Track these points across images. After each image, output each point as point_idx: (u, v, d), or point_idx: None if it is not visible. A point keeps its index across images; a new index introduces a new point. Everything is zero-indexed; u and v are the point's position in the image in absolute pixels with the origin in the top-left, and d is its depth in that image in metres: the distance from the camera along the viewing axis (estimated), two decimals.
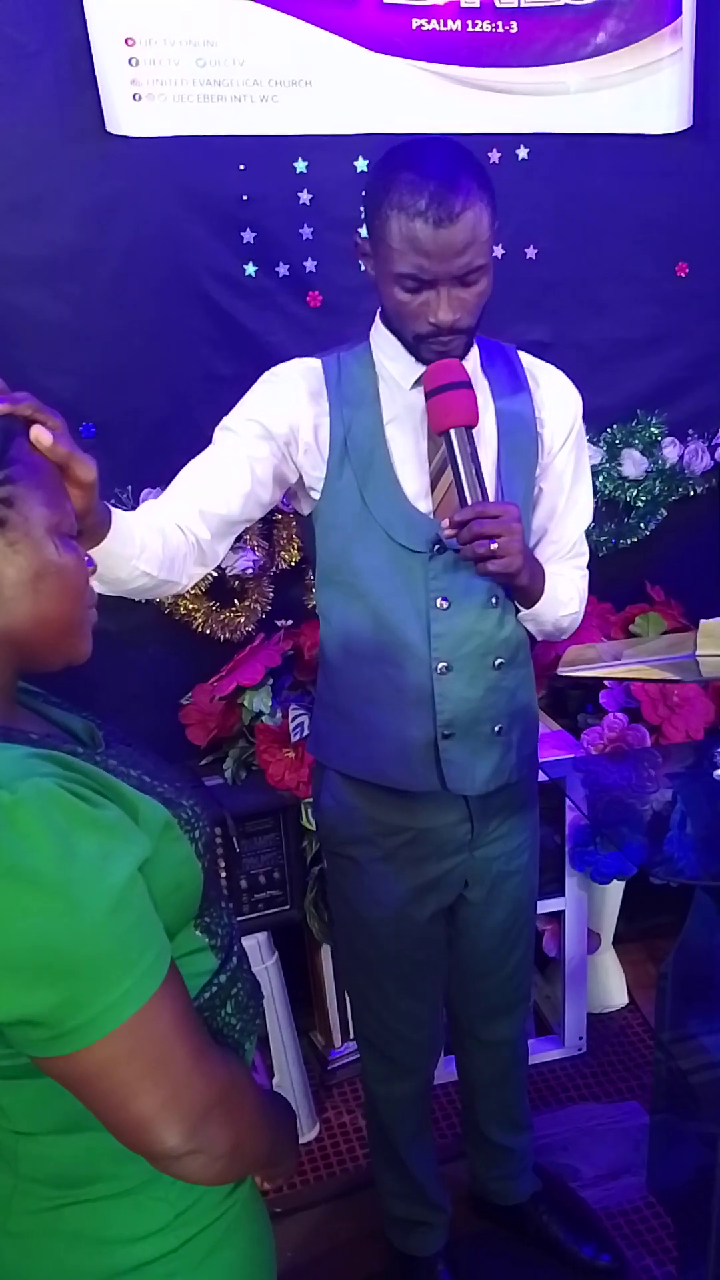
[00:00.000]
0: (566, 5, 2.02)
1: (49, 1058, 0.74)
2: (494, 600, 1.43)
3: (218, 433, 1.38)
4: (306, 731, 1.95)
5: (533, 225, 2.11)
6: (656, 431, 2.31)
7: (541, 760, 1.73)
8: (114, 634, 2.00)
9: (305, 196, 1.96)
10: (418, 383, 1.35)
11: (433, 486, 1.39)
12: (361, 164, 1.97)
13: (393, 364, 1.38)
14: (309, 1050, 2.34)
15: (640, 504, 2.33)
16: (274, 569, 2.10)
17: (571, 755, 2.11)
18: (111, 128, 1.80)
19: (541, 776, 1.73)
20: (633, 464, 2.30)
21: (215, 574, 2.01)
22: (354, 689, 1.47)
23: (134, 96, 1.80)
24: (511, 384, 1.44)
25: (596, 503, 1.66)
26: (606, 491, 2.29)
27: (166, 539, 1.24)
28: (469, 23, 1.98)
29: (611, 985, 2.53)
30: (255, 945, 2.03)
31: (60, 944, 0.70)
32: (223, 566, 2.01)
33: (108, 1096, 0.75)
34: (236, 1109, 0.81)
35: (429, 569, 1.39)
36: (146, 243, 1.87)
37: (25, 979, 0.70)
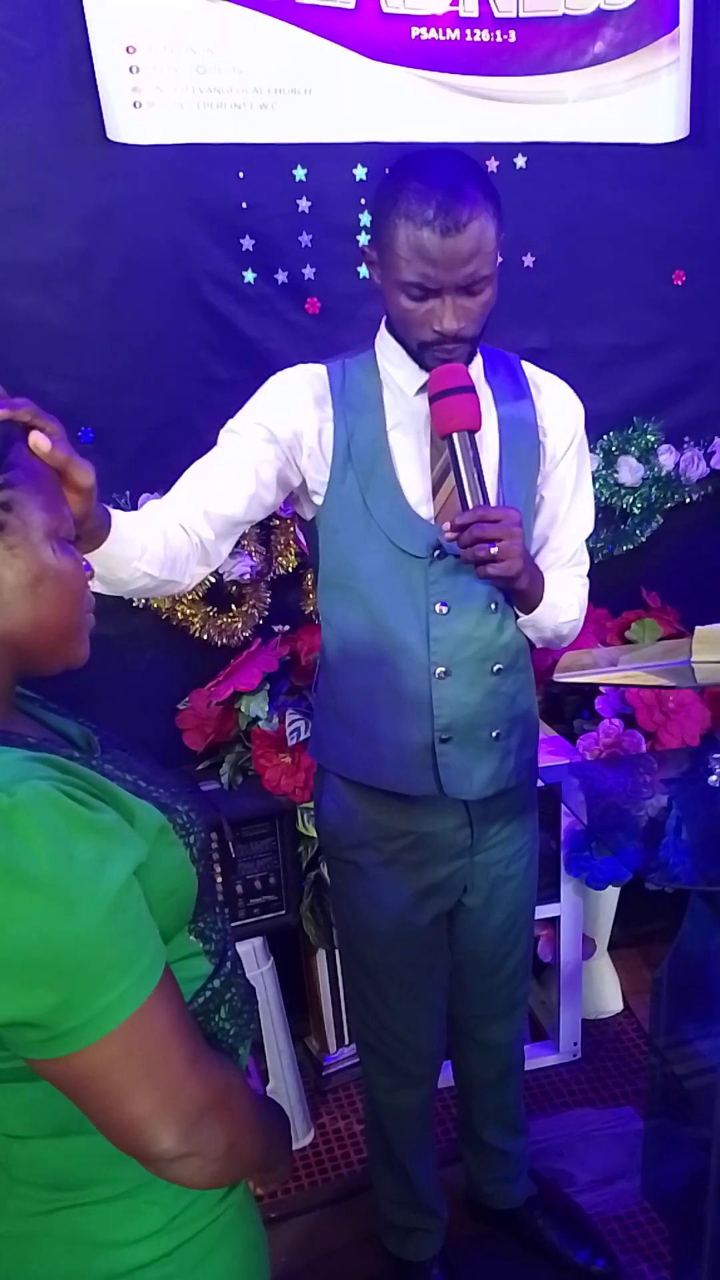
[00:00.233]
0: (564, 15, 2.03)
1: (44, 1060, 0.74)
2: (493, 606, 1.44)
3: (223, 435, 1.39)
4: (303, 736, 1.96)
5: (530, 233, 2.12)
6: (653, 438, 2.32)
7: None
8: (111, 639, 2.01)
9: (304, 204, 1.97)
10: (421, 389, 1.37)
11: (434, 492, 1.40)
12: (360, 172, 1.98)
13: (397, 371, 1.40)
14: (304, 1056, 2.34)
15: (636, 511, 2.34)
16: (271, 574, 2.10)
17: (567, 761, 2.12)
18: (112, 135, 1.81)
19: (538, 782, 1.73)
20: (629, 471, 2.31)
21: (213, 579, 2.02)
22: (353, 692, 1.48)
23: (134, 104, 1.81)
24: (514, 392, 1.46)
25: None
26: (603, 498, 2.29)
27: (168, 540, 1.25)
28: (468, 32, 1.99)
29: (607, 991, 2.53)
30: (251, 951, 2.03)
31: (56, 946, 0.70)
32: (220, 572, 2.01)
33: (102, 1099, 0.75)
34: (231, 1113, 0.81)
35: (429, 574, 1.40)
36: (146, 249, 1.88)
37: (21, 981, 0.71)
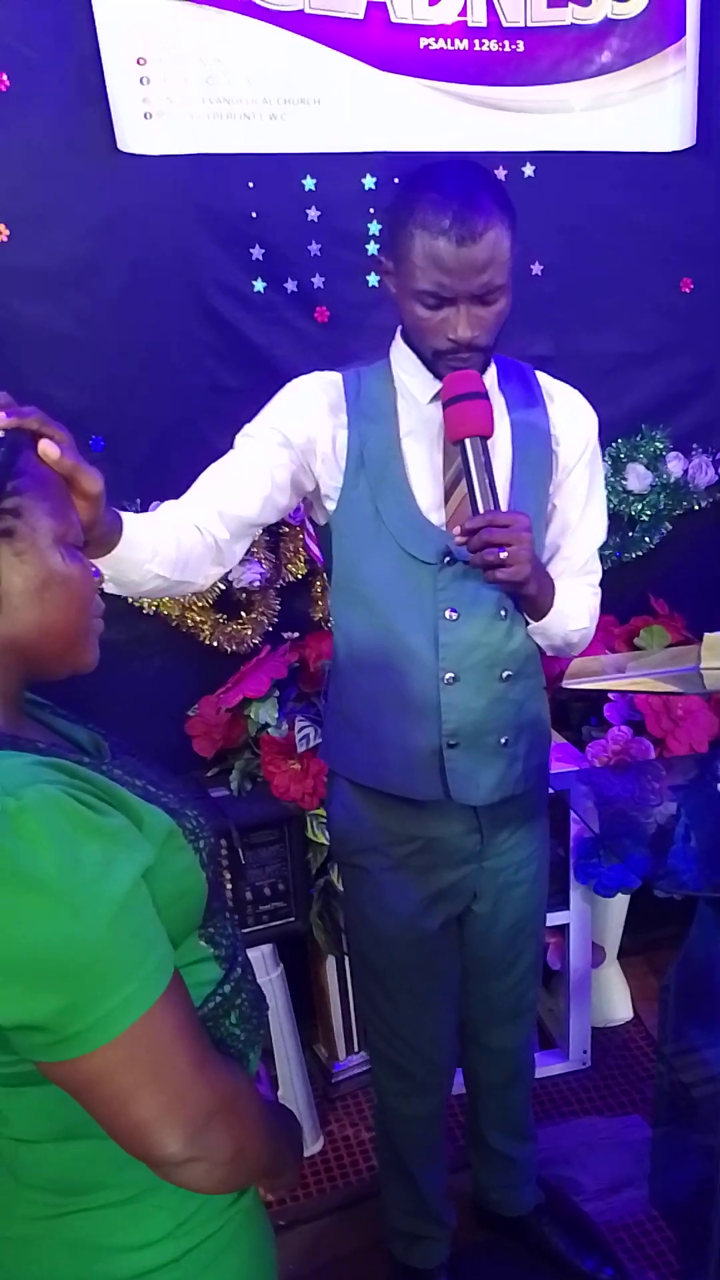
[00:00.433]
0: (572, 25, 2.04)
1: (52, 1063, 0.74)
2: (502, 612, 1.44)
3: (239, 439, 1.42)
4: (312, 743, 1.96)
5: (538, 241, 2.13)
6: (661, 446, 2.33)
7: None
8: (120, 645, 2.01)
9: (313, 213, 1.98)
10: (435, 398, 1.39)
11: (446, 499, 1.41)
12: (369, 181, 1.99)
13: (411, 379, 1.42)
14: (313, 1063, 2.34)
15: (644, 518, 2.34)
16: (280, 581, 2.11)
17: (576, 768, 2.12)
18: (122, 145, 1.82)
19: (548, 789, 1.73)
20: (637, 478, 2.31)
21: (222, 586, 2.02)
22: (362, 696, 1.50)
23: (145, 114, 1.82)
24: (527, 401, 1.47)
25: None
26: (611, 505, 2.29)
27: (180, 541, 1.27)
28: (476, 42, 2.00)
29: (616, 999, 2.53)
30: (260, 957, 2.04)
31: (63, 949, 0.71)
32: (230, 579, 2.02)
33: (109, 1102, 0.75)
34: (238, 1117, 0.82)
35: (438, 580, 1.41)
36: (156, 258, 1.89)
37: (28, 984, 0.71)
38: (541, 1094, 2.29)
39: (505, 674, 1.47)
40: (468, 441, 1.30)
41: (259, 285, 1.98)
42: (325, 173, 1.96)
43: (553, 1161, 2.09)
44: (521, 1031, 1.79)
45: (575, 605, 1.51)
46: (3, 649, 0.82)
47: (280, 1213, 2.00)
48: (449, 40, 1.98)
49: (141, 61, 1.80)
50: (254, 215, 1.94)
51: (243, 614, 2.10)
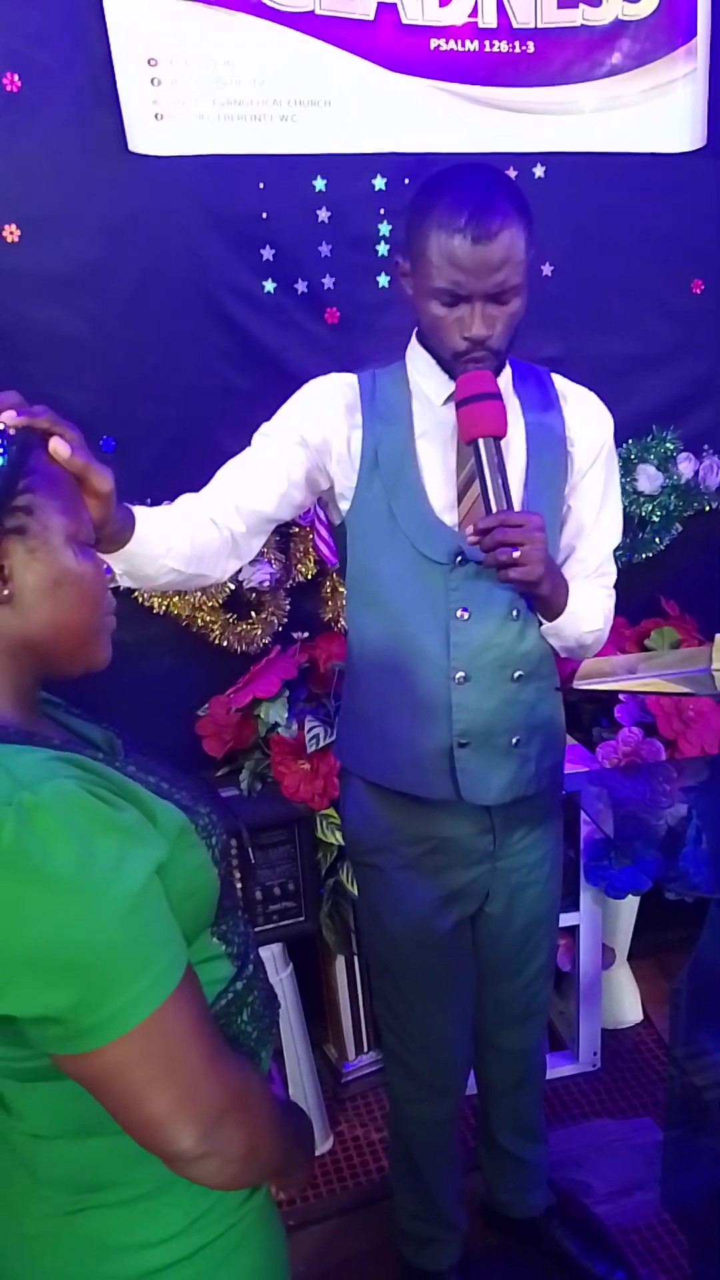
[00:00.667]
0: (582, 26, 2.04)
1: (68, 1056, 0.75)
2: (514, 613, 1.44)
3: (256, 438, 1.43)
4: (322, 744, 1.96)
5: (548, 243, 2.13)
6: (671, 447, 2.32)
7: None
8: (130, 645, 2.02)
9: (324, 214, 1.98)
10: (449, 399, 1.39)
11: (459, 499, 1.42)
12: (380, 182, 1.99)
13: (426, 381, 1.42)
14: (322, 1064, 2.34)
15: (655, 519, 2.34)
16: (290, 582, 2.11)
17: (586, 769, 2.11)
18: (133, 146, 1.83)
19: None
20: (647, 479, 2.31)
21: (232, 586, 2.03)
22: (374, 695, 1.50)
23: (155, 116, 1.83)
24: (542, 402, 1.48)
25: None
26: (621, 506, 2.29)
27: (195, 536, 1.28)
28: (486, 43, 2.00)
29: (626, 1001, 2.52)
30: (270, 957, 2.04)
31: (78, 943, 0.71)
32: (240, 579, 2.02)
33: (123, 1096, 0.76)
34: (251, 1113, 0.82)
35: (450, 580, 1.41)
36: (166, 260, 1.90)
37: (44, 977, 0.71)
38: (551, 1096, 2.28)
39: (517, 674, 1.47)
40: (481, 442, 1.31)
41: (269, 286, 1.99)
42: (335, 174, 1.97)
43: (563, 1164, 2.08)
44: (533, 1033, 1.79)
45: (589, 607, 1.51)
46: (16, 647, 0.82)
47: (289, 1213, 2.00)
48: (459, 41, 1.99)
49: (152, 63, 1.81)
50: (264, 216, 1.94)
51: (253, 614, 2.10)
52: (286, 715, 2.05)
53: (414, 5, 1.93)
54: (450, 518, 1.42)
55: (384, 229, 2.02)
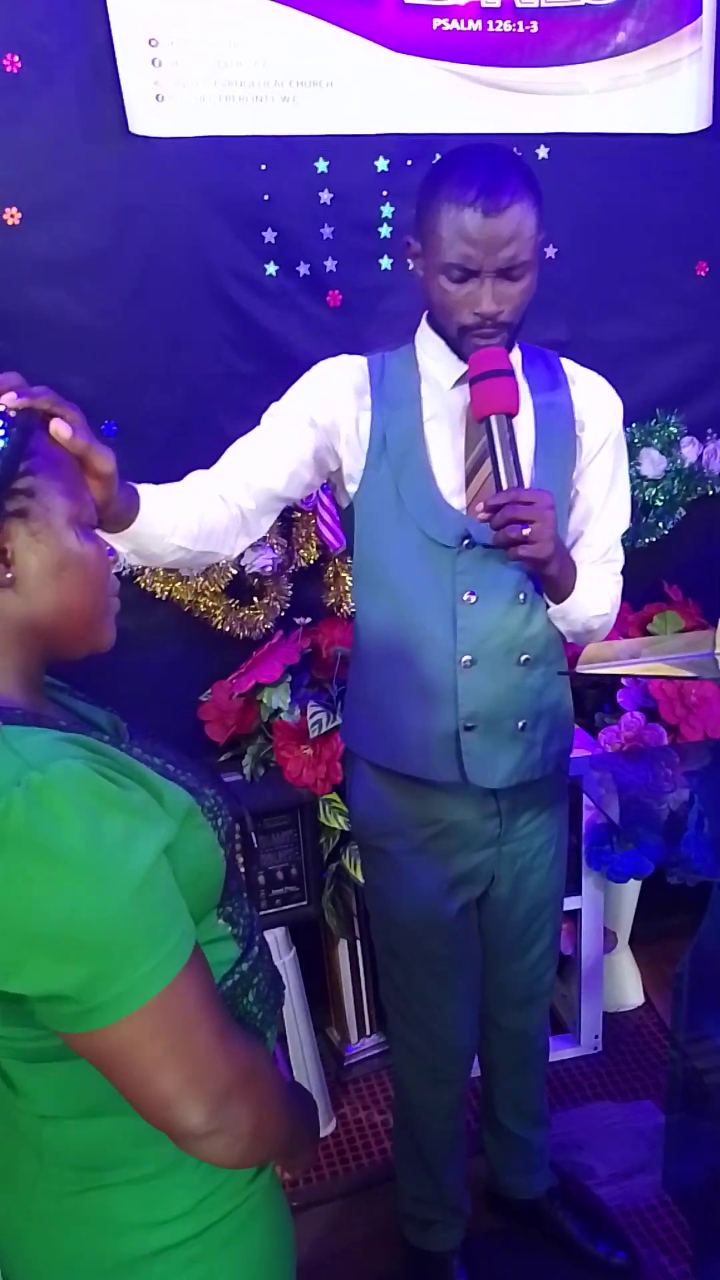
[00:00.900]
0: (586, 5, 2.02)
1: (77, 1034, 0.75)
2: (521, 596, 1.44)
3: (266, 417, 1.43)
4: (325, 729, 1.96)
5: (552, 224, 2.06)
6: (675, 431, 2.31)
7: None
8: (133, 631, 2.01)
9: (326, 196, 1.97)
10: (458, 382, 1.39)
11: (467, 483, 1.41)
12: (382, 164, 1.98)
13: (435, 364, 1.42)
14: (325, 1047, 2.35)
15: (659, 504, 2.33)
16: (293, 567, 2.11)
17: (589, 754, 2.11)
18: (134, 128, 1.81)
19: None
20: (651, 463, 2.30)
21: (234, 571, 2.02)
22: (381, 678, 1.50)
23: (156, 97, 1.81)
24: (551, 386, 1.47)
25: None
26: (629, 491, 2.28)
27: (204, 514, 1.28)
28: (489, 23, 1.98)
29: (627, 985, 2.53)
30: (273, 941, 2.04)
31: (87, 921, 0.71)
32: (242, 564, 2.02)
33: (132, 1073, 0.76)
34: (258, 1091, 0.82)
35: (457, 563, 1.41)
36: (168, 242, 1.88)
37: (53, 955, 0.72)
38: (553, 1079, 2.29)
39: (524, 658, 1.46)
40: (493, 419, 1.30)
41: (271, 269, 1.97)
42: (338, 155, 1.95)
43: (565, 1147, 2.09)
44: (535, 1016, 1.79)
45: (596, 591, 1.50)
46: (21, 629, 0.82)
47: (292, 1195, 2.00)
48: (462, 21, 1.97)
49: (153, 43, 1.79)
50: (266, 198, 1.93)
51: (255, 599, 2.10)
52: (289, 700, 2.05)
53: None
54: (458, 501, 1.41)
55: (386, 211, 2.00)
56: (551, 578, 1.40)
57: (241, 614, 2.08)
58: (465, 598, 1.42)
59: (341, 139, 1.95)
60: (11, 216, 1.78)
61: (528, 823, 1.58)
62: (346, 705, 1.64)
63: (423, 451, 1.41)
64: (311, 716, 1.99)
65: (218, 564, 1.97)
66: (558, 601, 1.46)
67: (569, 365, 1.51)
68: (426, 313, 1.43)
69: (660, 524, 2.36)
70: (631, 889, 2.41)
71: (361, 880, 1.98)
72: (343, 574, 2.13)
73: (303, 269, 1.99)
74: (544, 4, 2.00)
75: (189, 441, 1.90)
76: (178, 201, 1.87)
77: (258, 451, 1.39)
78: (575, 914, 2.29)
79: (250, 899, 0.99)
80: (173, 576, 1.99)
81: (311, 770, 1.98)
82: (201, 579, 2.00)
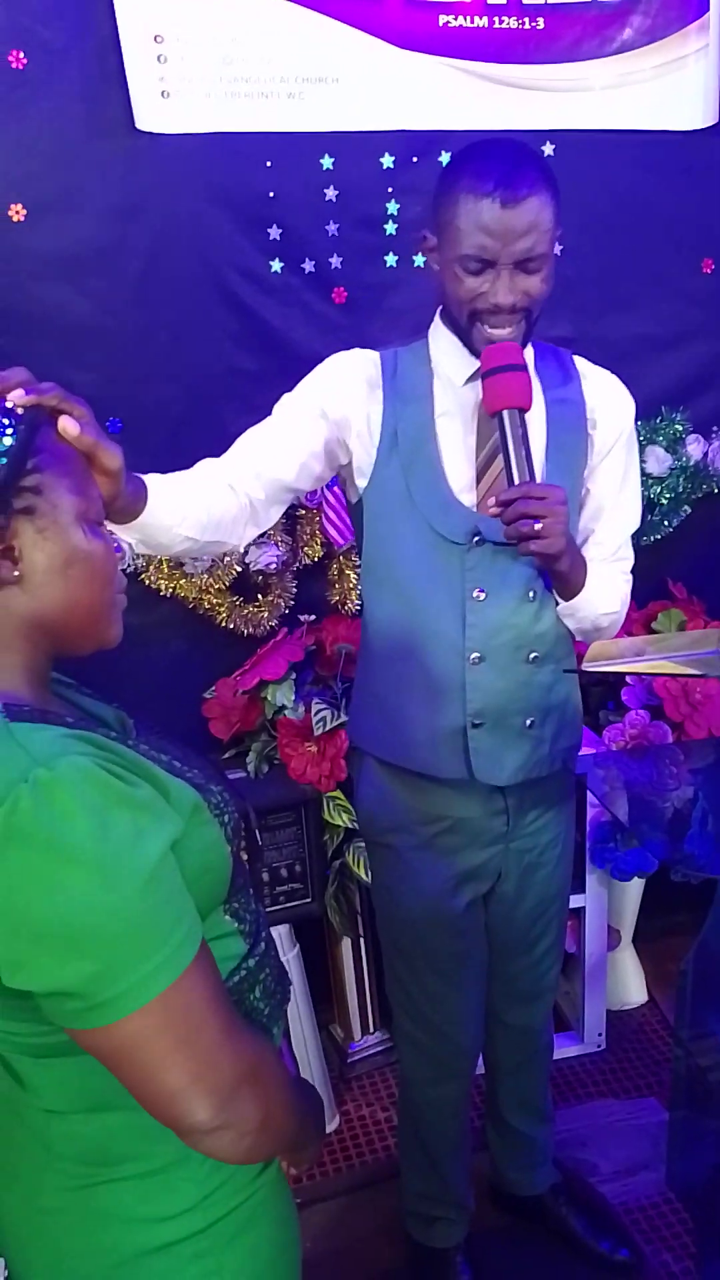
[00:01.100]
0: (593, 2, 2.02)
1: (84, 1029, 0.75)
2: (531, 594, 1.44)
3: (277, 408, 1.43)
4: (329, 726, 1.96)
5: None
6: (680, 428, 2.31)
7: None
8: (137, 628, 2.01)
9: (331, 193, 1.96)
10: (470, 379, 1.39)
11: (478, 479, 1.41)
12: (388, 160, 1.98)
13: (448, 360, 1.42)
14: (329, 1044, 2.35)
15: (664, 501, 2.33)
16: (297, 564, 2.11)
17: (593, 751, 2.11)
18: (139, 124, 1.81)
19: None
20: (656, 461, 2.30)
21: (239, 569, 2.02)
22: (389, 674, 1.50)
23: (162, 93, 1.81)
24: (563, 383, 1.47)
25: None
26: (640, 490, 2.28)
27: (212, 504, 1.29)
28: (495, 19, 1.98)
29: (631, 982, 2.53)
30: (277, 937, 2.04)
31: (94, 917, 0.71)
32: (246, 561, 2.02)
33: (141, 1069, 0.76)
34: (265, 1086, 0.82)
35: (467, 560, 1.41)
36: (173, 239, 1.88)
37: (60, 951, 0.72)
38: (556, 1076, 2.29)
39: (532, 655, 1.46)
40: (505, 413, 1.30)
41: (276, 266, 1.97)
42: (343, 152, 1.95)
43: (568, 1144, 2.10)
44: (540, 1012, 1.80)
45: (606, 589, 1.50)
46: (28, 626, 0.82)
47: (297, 1191, 2.00)
48: (468, 18, 1.96)
49: (159, 39, 1.79)
50: (271, 195, 1.93)
51: (259, 597, 2.10)
52: (293, 698, 2.05)
53: None
54: (468, 497, 1.41)
55: (392, 208, 2.00)
56: (562, 574, 1.40)
57: (246, 611, 2.08)
58: (475, 594, 1.41)
59: (347, 135, 1.94)
60: (17, 213, 1.78)
61: (535, 819, 1.58)
62: (353, 701, 1.64)
63: (434, 447, 1.41)
64: (315, 714, 1.99)
65: (224, 558, 1.97)
66: (567, 599, 1.46)
67: (581, 363, 1.51)
68: (440, 308, 1.43)
69: (665, 521, 2.35)
70: (635, 887, 2.41)
71: (365, 877, 1.98)
72: (347, 571, 2.13)
73: (308, 265, 1.99)
74: (550, 0, 1.99)
75: (193, 438, 1.89)
76: (183, 198, 1.87)
77: (269, 441, 1.39)
78: (579, 912, 2.29)
79: (256, 894, 0.99)
80: (177, 574, 1.99)
81: (315, 767, 1.98)
82: (206, 576, 2.00)
